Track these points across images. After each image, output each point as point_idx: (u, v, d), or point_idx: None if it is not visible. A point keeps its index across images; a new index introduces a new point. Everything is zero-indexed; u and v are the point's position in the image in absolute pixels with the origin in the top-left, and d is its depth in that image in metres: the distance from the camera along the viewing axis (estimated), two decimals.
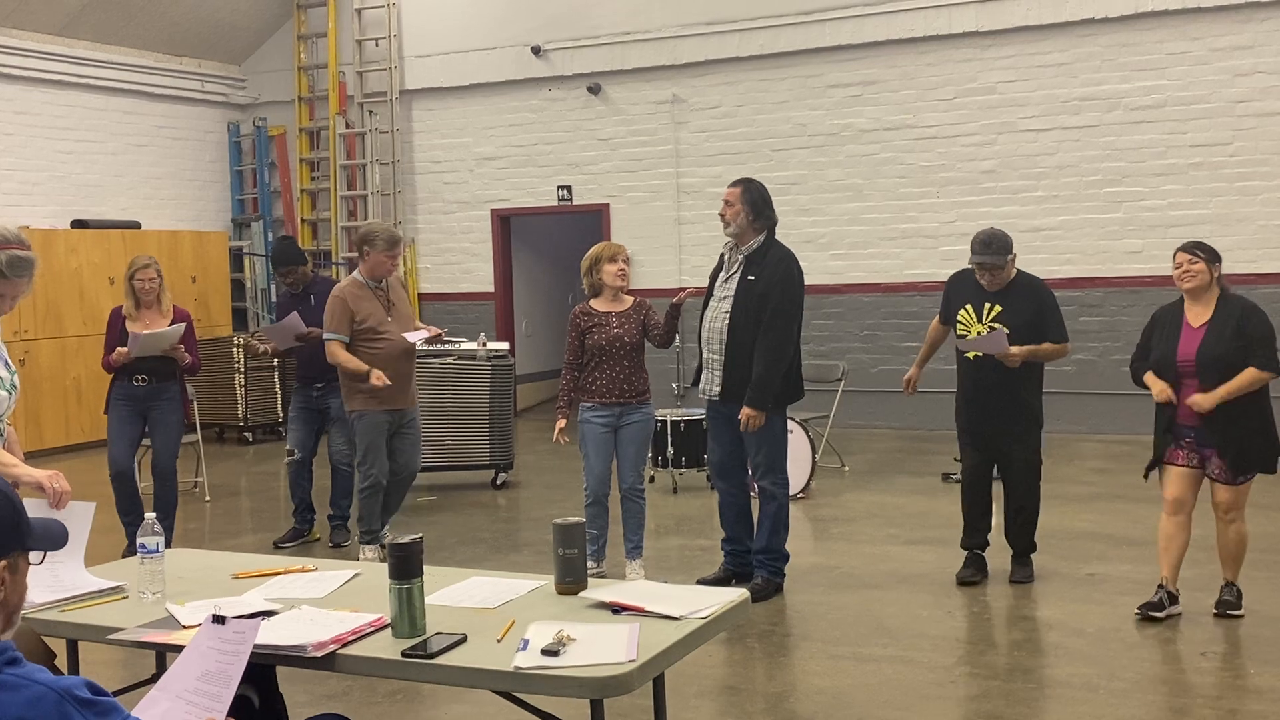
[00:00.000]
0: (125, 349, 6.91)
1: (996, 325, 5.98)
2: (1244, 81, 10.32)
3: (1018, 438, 6.09)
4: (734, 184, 6.10)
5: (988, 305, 6.03)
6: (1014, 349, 5.89)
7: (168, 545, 6.66)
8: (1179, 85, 10.53)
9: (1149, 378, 5.50)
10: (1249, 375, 5.25)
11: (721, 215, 6.04)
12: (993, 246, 5.97)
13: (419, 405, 7.15)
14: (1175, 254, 5.48)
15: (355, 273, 7.05)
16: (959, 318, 6.12)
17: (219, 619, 2.78)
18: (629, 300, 6.28)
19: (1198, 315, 5.41)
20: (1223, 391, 5.25)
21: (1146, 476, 5.67)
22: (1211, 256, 5.41)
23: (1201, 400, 5.28)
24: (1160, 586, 5.48)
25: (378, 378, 6.51)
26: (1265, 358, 5.28)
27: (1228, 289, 5.46)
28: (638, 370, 6.22)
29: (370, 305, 6.77)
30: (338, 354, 6.69)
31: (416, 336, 6.81)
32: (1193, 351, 5.34)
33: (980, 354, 6.02)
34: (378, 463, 6.82)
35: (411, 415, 6.94)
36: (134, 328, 6.98)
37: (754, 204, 6.00)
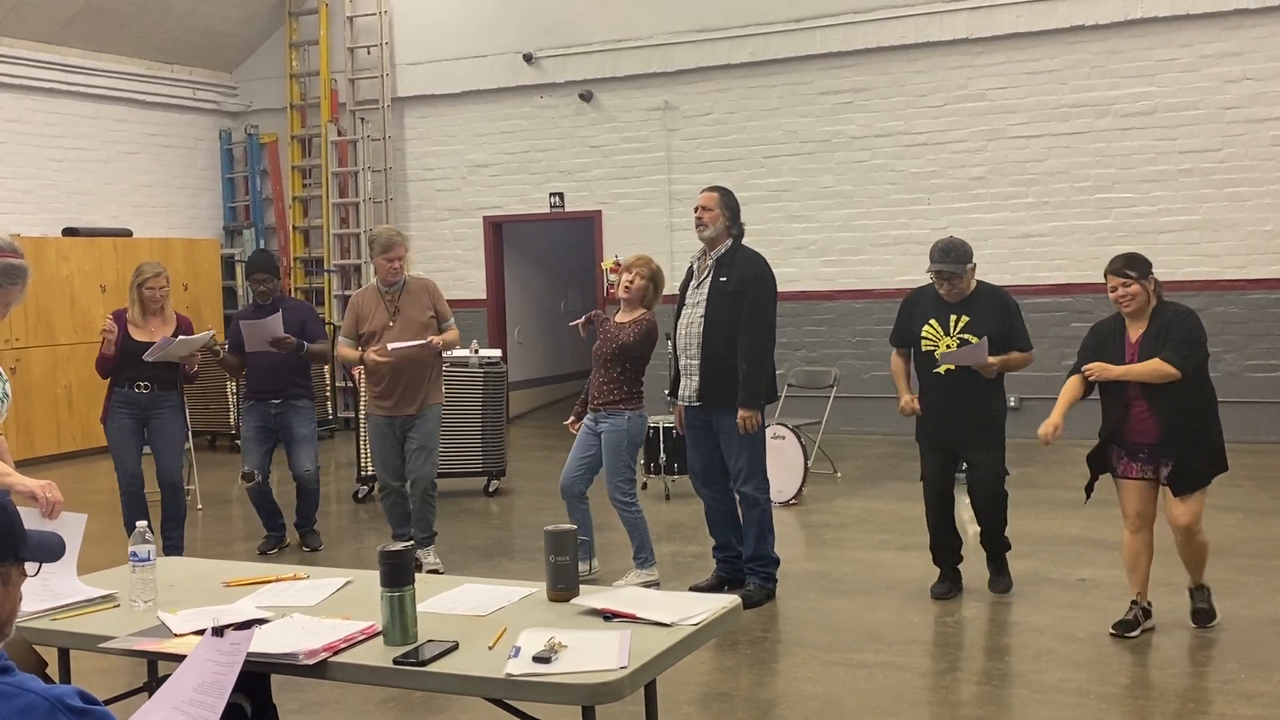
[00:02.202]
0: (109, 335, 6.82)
1: (967, 337, 5.84)
2: (1233, 88, 10.36)
3: (984, 448, 5.95)
4: (710, 189, 6.15)
5: (954, 317, 5.87)
6: (991, 359, 5.77)
7: (180, 555, 6.69)
8: (1169, 92, 10.57)
9: (1065, 388, 5.39)
10: (1150, 364, 5.12)
11: (699, 218, 6.06)
12: (952, 255, 5.82)
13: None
14: (1106, 275, 5.33)
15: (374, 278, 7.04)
16: (924, 333, 5.95)
17: (218, 632, 2.80)
18: (637, 314, 6.31)
19: (1136, 329, 5.30)
20: (1119, 371, 5.17)
21: (1088, 498, 5.55)
22: (1143, 272, 5.25)
23: (1095, 368, 5.19)
24: (1134, 603, 5.42)
25: (372, 354, 6.61)
26: (1174, 354, 5.11)
27: (1163, 297, 5.33)
28: (611, 380, 6.26)
29: (374, 310, 6.79)
30: (340, 350, 6.99)
31: (397, 346, 6.57)
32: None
33: (950, 368, 5.86)
34: (379, 467, 6.93)
35: (417, 424, 6.76)
36: (139, 335, 6.88)
37: (731, 209, 6.05)
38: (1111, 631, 5.36)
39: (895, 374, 6.20)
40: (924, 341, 5.98)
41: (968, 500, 6.21)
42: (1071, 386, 5.40)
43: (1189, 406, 5.20)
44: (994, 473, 6.00)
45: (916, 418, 6.07)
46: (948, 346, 5.89)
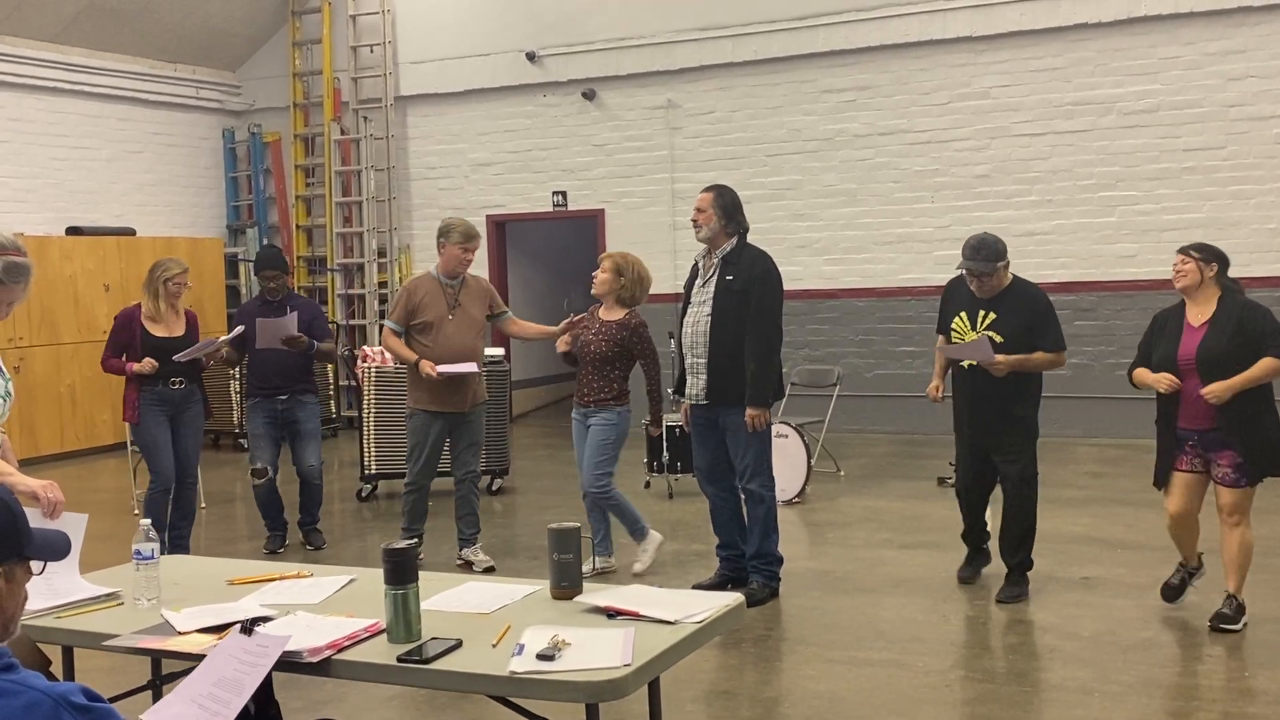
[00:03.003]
0: (151, 361, 6.86)
1: (991, 334, 5.82)
2: (1236, 86, 10.35)
3: (1011, 451, 5.92)
4: (706, 190, 6.13)
5: (982, 313, 5.87)
6: (1000, 358, 5.71)
7: (187, 552, 6.71)
8: (1172, 90, 10.57)
9: (1141, 374, 5.45)
10: (1266, 364, 5.15)
11: (694, 221, 6.06)
12: (982, 252, 5.79)
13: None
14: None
15: (432, 267, 6.89)
16: (953, 326, 5.99)
17: (247, 630, 2.81)
18: (622, 313, 6.35)
19: (1198, 315, 5.34)
20: (1239, 381, 5.16)
21: (1158, 486, 5.54)
22: (1206, 256, 5.34)
23: (1216, 389, 5.16)
24: (1180, 566, 5.60)
25: (427, 366, 6.48)
26: (1277, 347, 5.17)
27: (1231, 288, 5.37)
28: (601, 378, 6.33)
29: (433, 300, 6.65)
30: (389, 341, 6.72)
31: (451, 369, 6.51)
32: (1193, 350, 5.27)
33: (975, 363, 5.86)
34: (418, 463, 6.76)
35: (469, 419, 6.78)
36: (158, 331, 6.97)
37: (725, 209, 6.01)
38: (1163, 598, 5.62)
39: (936, 358, 6.30)
40: (953, 334, 6.03)
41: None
42: (1144, 375, 5.48)
43: (1245, 396, 5.20)
44: (1022, 478, 5.96)
45: (953, 408, 6.16)
46: (958, 338, 5.96)
